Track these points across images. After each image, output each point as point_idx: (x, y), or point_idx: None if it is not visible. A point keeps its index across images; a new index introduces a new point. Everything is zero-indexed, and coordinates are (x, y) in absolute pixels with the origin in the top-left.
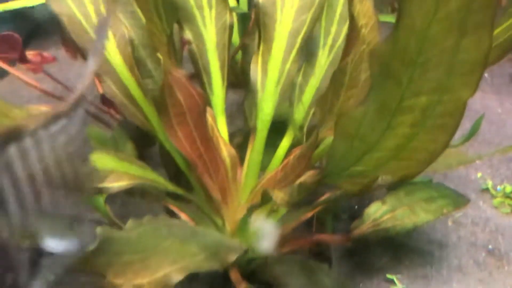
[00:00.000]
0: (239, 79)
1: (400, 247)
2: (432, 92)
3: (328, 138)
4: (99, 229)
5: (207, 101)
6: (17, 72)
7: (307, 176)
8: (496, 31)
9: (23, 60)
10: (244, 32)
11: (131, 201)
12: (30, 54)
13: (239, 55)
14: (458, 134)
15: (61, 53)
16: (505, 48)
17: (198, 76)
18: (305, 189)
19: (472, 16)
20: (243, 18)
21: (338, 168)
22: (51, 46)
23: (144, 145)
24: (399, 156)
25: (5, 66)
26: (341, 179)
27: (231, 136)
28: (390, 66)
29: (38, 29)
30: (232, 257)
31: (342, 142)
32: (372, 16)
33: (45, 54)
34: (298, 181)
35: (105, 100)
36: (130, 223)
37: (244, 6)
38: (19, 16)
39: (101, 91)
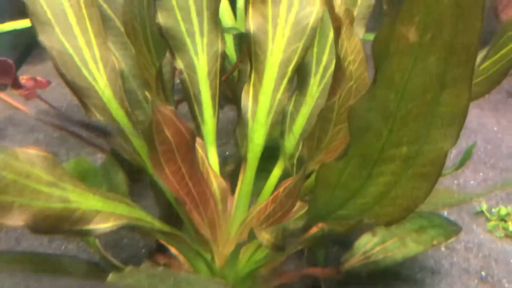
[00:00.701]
0: (236, 95)
1: (392, 276)
2: (412, 143)
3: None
4: None
5: (197, 131)
6: (6, 97)
7: (294, 220)
8: (485, 64)
9: (16, 85)
10: (240, 52)
11: (124, 233)
12: (23, 78)
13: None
14: (453, 153)
15: None
16: (494, 80)
17: (189, 104)
18: (290, 234)
19: (451, 71)
20: (240, 38)
21: (321, 213)
22: (47, 60)
23: (136, 172)
24: (382, 203)
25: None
26: (326, 221)
27: (224, 162)
28: (369, 120)
29: (33, 45)
30: None
31: (323, 191)
32: (360, 51)
33: (39, 78)
34: (282, 225)
35: None
36: (111, 277)
37: (241, 23)
38: (14, 34)
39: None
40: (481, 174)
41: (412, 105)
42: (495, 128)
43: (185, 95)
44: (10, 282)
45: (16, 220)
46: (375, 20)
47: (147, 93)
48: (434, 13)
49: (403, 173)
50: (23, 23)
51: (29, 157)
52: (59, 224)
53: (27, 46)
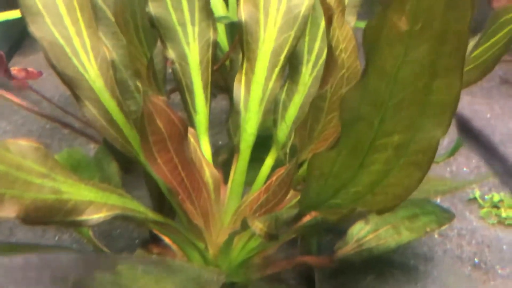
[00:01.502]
0: (228, 83)
1: (385, 264)
2: (404, 132)
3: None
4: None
5: (190, 121)
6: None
7: (286, 208)
8: (476, 52)
9: (7, 76)
10: (232, 41)
11: (118, 223)
12: (14, 69)
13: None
14: (446, 141)
15: None
16: (485, 68)
17: (181, 94)
18: (283, 223)
19: (443, 60)
20: (232, 27)
21: (313, 202)
22: (39, 51)
23: (129, 162)
24: (374, 191)
25: None
26: (319, 210)
27: (216, 152)
28: (360, 110)
29: (25, 36)
30: None
31: (316, 180)
32: (351, 40)
33: (30, 69)
34: (275, 214)
35: None
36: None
37: (233, 12)
38: (5, 25)
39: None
40: (473, 161)
41: (403, 94)
42: (488, 115)
43: (177, 85)
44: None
45: (8, 211)
46: (367, 7)
47: (138, 83)
48: (424, 2)
49: (395, 161)
50: (14, 14)
51: (21, 148)
52: (51, 215)
53: (19, 37)
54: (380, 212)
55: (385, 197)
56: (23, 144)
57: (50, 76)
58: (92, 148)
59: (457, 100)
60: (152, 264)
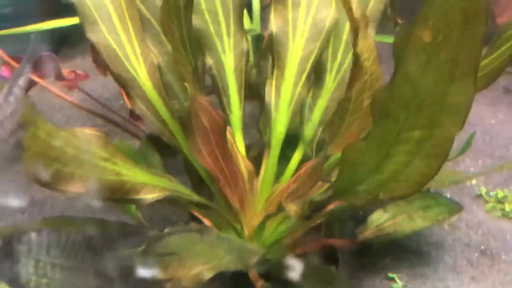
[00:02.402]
0: (252, 92)
1: (401, 249)
2: (425, 128)
3: (335, 154)
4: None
5: (226, 121)
6: (54, 88)
7: (318, 194)
8: (484, 62)
9: (59, 77)
10: (258, 52)
11: (157, 205)
12: (65, 71)
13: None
14: (455, 144)
15: (87, 62)
16: (491, 76)
17: (218, 97)
18: (316, 205)
19: (459, 67)
20: (257, 38)
21: (344, 188)
22: (77, 55)
23: (169, 154)
24: (398, 178)
25: (44, 83)
26: (347, 196)
27: (247, 149)
28: (388, 108)
29: (66, 39)
30: (253, 260)
31: (348, 168)
32: (373, 50)
33: (79, 71)
34: (308, 198)
35: (133, 114)
36: (167, 230)
37: (257, 25)
38: (45, 33)
39: (129, 106)
40: (480, 161)
41: (425, 96)
42: (493, 121)
43: (214, 88)
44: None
45: (78, 188)
46: (379, 23)
47: (184, 85)
48: (445, 18)
49: (416, 153)
50: (54, 23)
51: (86, 135)
52: (113, 193)
53: (57, 45)
54: (401, 197)
55: (406, 184)
56: (88, 132)
57: (89, 80)
58: (134, 144)
59: (471, 101)
60: (205, 232)
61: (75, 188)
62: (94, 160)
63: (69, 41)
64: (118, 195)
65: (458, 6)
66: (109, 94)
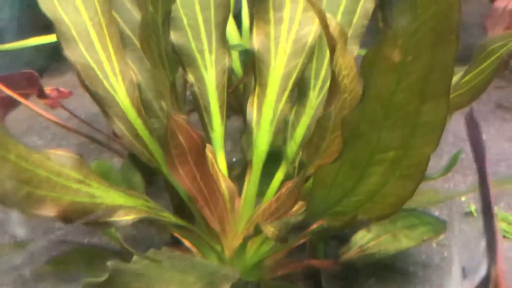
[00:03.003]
0: (242, 105)
1: (386, 269)
2: (398, 148)
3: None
4: (109, 263)
5: (207, 138)
6: (34, 106)
7: (293, 214)
8: (466, 77)
9: (41, 95)
10: (245, 67)
11: (140, 225)
12: (47, 89)
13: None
14: (444, 160)
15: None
16: (475, 92)
17: (199, 114)
18: (292, 226)
19: (431, 87)
20: (245, 53)
21: (319, 210)
22: (67, 71)
23: (150, 173)
24: (373, 200)
25: (24, 101)
26: (324, 217)
27: (230, 167)
28: (359, 129)
29: (56, 54)
30: (226, 285)
31: (321, 190)
32: (353, 67)
33: (62, 89)
34: (285, 219)
35: (116, 132)
36: (136, 257)
37: (246, 40)
38: (33, 50)
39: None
40: (470, 178)
41: (397, 116)
42: (484, 137)
43: (196, 106)
44: None
45: (49, 211)
46: (371, 36)
47: (162, 103)
48: (414, 38)
49: (391, 174)
50: (42, 40)
51: (59, 157)
52: (86, 216)
53: (47, 60)
54: (379, 218)
55: (382, 206)
56: (61, 153)
57: (77, 96)
58: (116, 162)
59: (444, 121)
60: (177, 258)
61: (46, 211)
62: (67, 183)
63: (59, 57)
64: (92, 217)
65: (428, 25)
66: (96, 110)
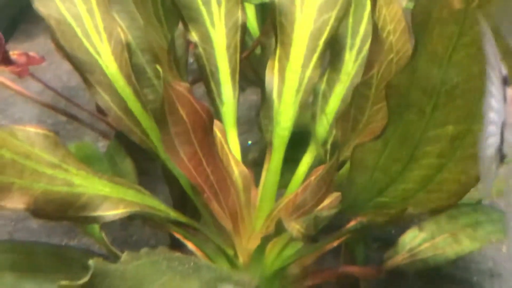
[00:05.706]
0: (259, 75)
1: (443, 279)
2: (460, 122)
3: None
4: (91, 262)
5: (215, 113)
6: None
7: (324, 208)
8: None
9: (7, 61)
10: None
11: (132, 224)
12: (14, 54)
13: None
14: None
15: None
16: None
17: (206, 83)
18: (322, 222)
19: (502, 40)
20: (263, 8)
21: (358, 201)
22: (40, 33)
23: (144, 158)
24: (427, 188)
25: None
26: (364, 210)
27: (245, 152)
28: (409, 97)
29: (26, 13)
30: None
31: (360, 174)
32: (401, 20)
33: (32, 54)
34: (314, 214)
35: (101, 108)
36: (125, 255)
37: None
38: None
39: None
40: None
41: (457, 80)
42: None
43: (201, 73)
44: None
45: (16, 202)
46: None
47: (158, 68)
48: None
49: (450, 155)
50: None
51: (29, 135)
52: (63, 209)
53: (13, 21)
54: (434, 212)
55: (439, 195)
56: (31, 130)
57: (52, 64)
58: (101, 146)
59: None
60: (176, 260)
61: (12, 203)
62: (38, 167)
63: (30, 16)
64: (70, 211)
65: None
66: (76, 82)
